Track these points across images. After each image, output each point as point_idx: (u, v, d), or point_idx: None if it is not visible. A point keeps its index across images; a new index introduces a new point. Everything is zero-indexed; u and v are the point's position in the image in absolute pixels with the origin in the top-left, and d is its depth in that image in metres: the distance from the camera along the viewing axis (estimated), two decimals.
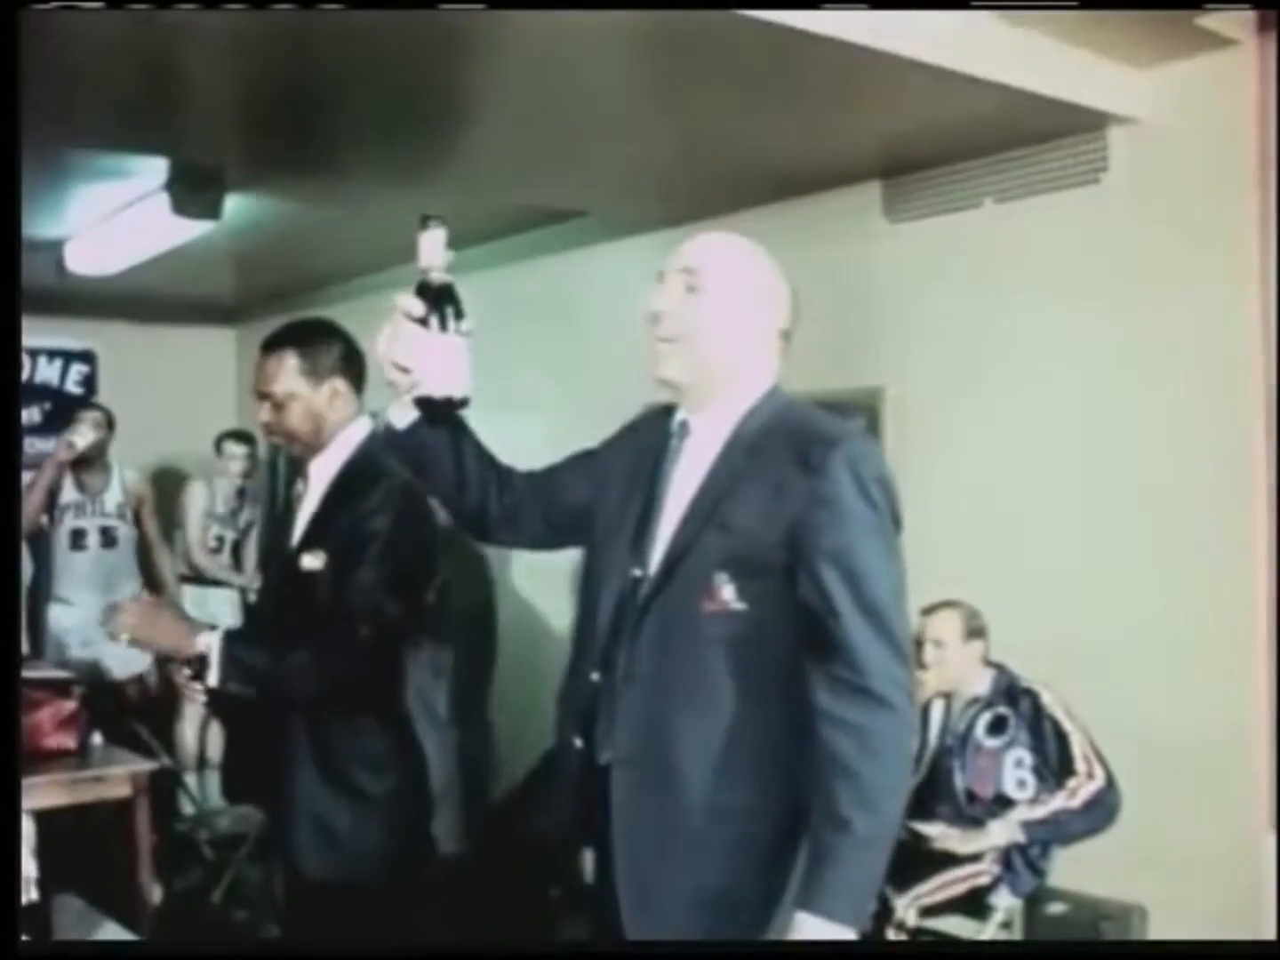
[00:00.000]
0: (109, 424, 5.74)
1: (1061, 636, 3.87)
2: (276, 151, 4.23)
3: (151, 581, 5.99)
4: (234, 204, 4.74)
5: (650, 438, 2.14)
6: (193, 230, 4.84)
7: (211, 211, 4.63)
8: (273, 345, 2.85)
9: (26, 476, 5.62)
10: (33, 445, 7.31)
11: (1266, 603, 3.48)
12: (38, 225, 5.18)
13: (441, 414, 2.09)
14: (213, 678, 2.55)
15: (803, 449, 1.94)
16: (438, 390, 2.03)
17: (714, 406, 2.05)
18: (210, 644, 2.55)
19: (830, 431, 1.98)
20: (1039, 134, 3.91)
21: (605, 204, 5.02)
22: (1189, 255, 3.65)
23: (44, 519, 5.64)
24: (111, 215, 5.01)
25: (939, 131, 3.92)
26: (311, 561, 2.74)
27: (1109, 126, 3.81)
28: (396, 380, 2.06)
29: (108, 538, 5.74)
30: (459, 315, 2.03)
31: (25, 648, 6.23)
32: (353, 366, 2.84)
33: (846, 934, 1.81)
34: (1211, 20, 3.37)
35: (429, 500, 2.67)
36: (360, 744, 2.75)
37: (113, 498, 5.76)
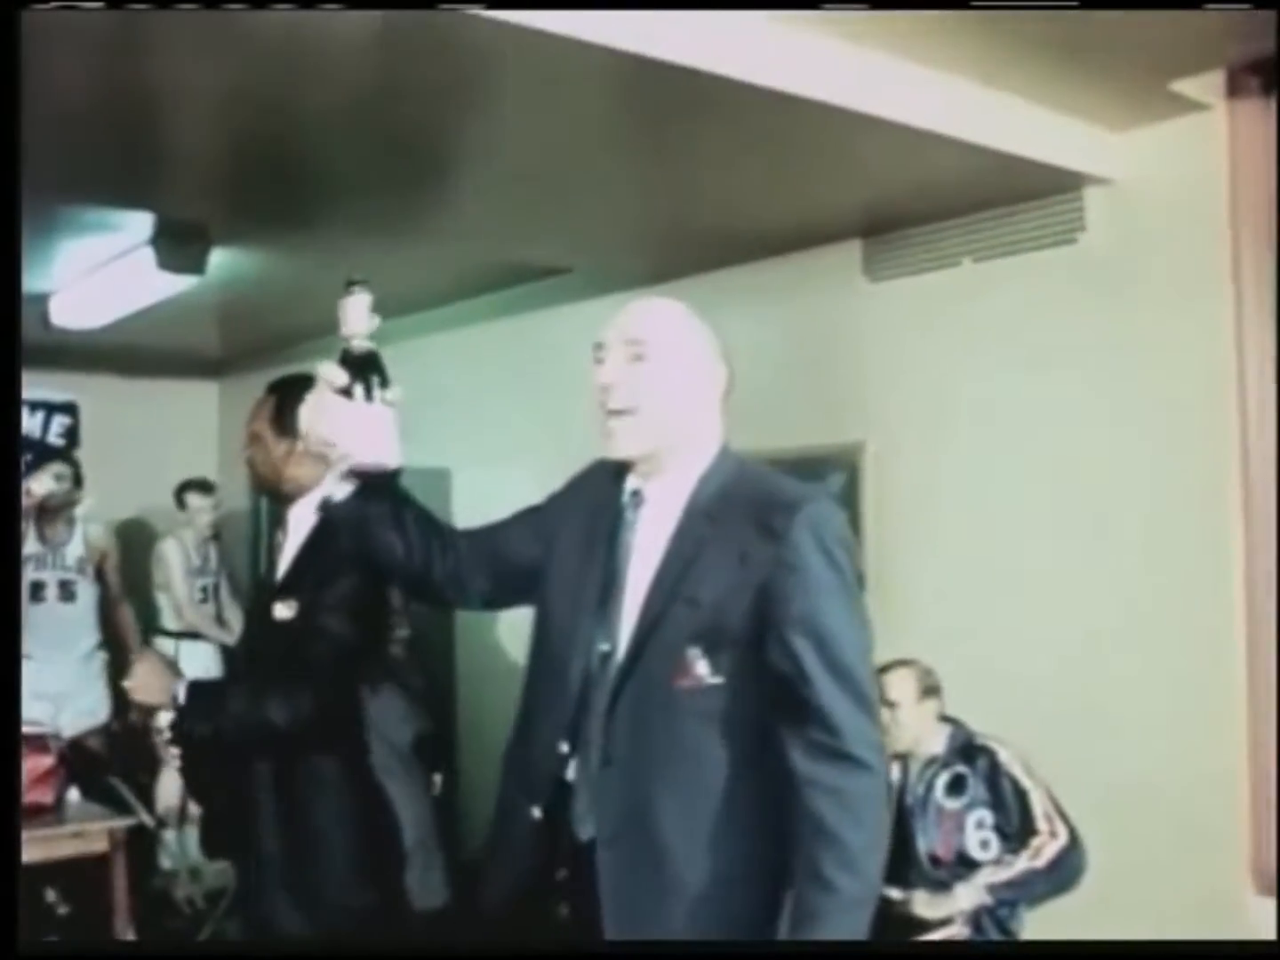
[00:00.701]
0: (75, 479, 5.72)
1: (1043, 692, 3.88)
2: (261, 207, 4.26)
3: (112, 637, 5.95)
4: (218, 258, 4.76)
5: (602, 498, 2.13)
6: (177, 285, 4.86)
7: (196, 266, 4.65)
8: (269, 388, 2.98)
9: None
10: None
11: (1248, 656, 3.50)
12: (24, 279, 5.19)
13: (374, 484, 2.08)
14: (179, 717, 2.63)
15: (763, 516, 1.94)
16: (368, 460, 2.03)
17: (667, 473, 2.05)
18: (179, 689, 2.62)
19: (789, 496, 1.98)
20: (1016, 194, 3.96)
21: (589, 261, 5.06)
22: (1164, 313, 3.69)
23: None
24: (96, 269, 5.03)
25: (918, 191, 3.97)
26: (283, 611, 2.80)
27: (1085, 187, 3.86)
28: (323, 453, 2.07)
29: (66, 591, 5.71)
30: (384, 383, 2.02)
31: None
32: None
33: None
34: (1184, 85, 3.44)
35: None
36: (326, 798, 2.75)
37: (73, 551, 5.73)
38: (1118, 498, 3.80)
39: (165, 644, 6.11)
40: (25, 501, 5.44)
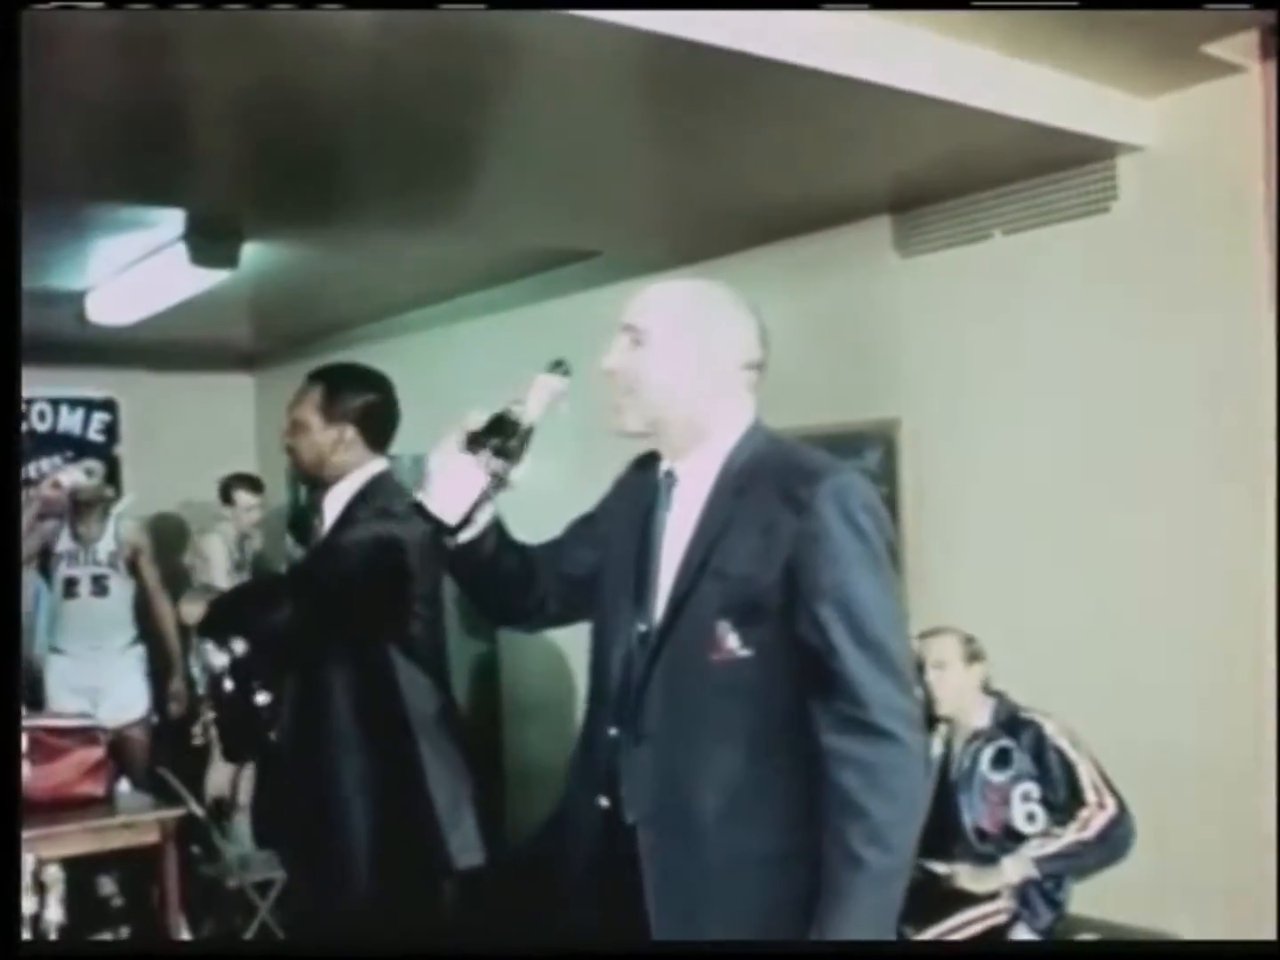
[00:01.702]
0: (109, 475, 5.76)
1: (1083, 664, 3.87)
2: (292, 200, 4.27)
3: (149, 631, 5.98)
4: (250, 252, 4.78)
5: (641, 489, 2.15)
6: (210, 279, 4.89)
7: (228, 261, 4.69)
8: (312, 376, 3.08)
9: None
10: None
11: None
12: (59, 277, 5.23)
13: (490, 529, 2.08)
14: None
15: (788, 488, 1.94)
16: (434, 507, 2.02)
17: (695, 452, 2.06)
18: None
19: (813, 467, 1.98)
20: (1047, 165, 3.93)
21: (618, 244, 5.06)
22: (1200, 281, 3.66)
23: (34, 563, 5.70)
24: (131, 266, 5.06)
25: (947, 165, 3.94)
26: None
27: (1118, 155, 3.83)
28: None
29: (99, 586, 5.73)
30: (509, 458, 1.98)
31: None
32: (372, 420, 3.03)
33: None
34: (1217, 48, 3.39)
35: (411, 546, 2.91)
36: (356, 759, 2.85)
37: (105, 547, 5.74)
38: (1154, 467, 3.77)
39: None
40: (53, 492, 5.43)
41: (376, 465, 3.06)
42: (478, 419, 2.01)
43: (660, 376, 2.04)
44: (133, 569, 5.83)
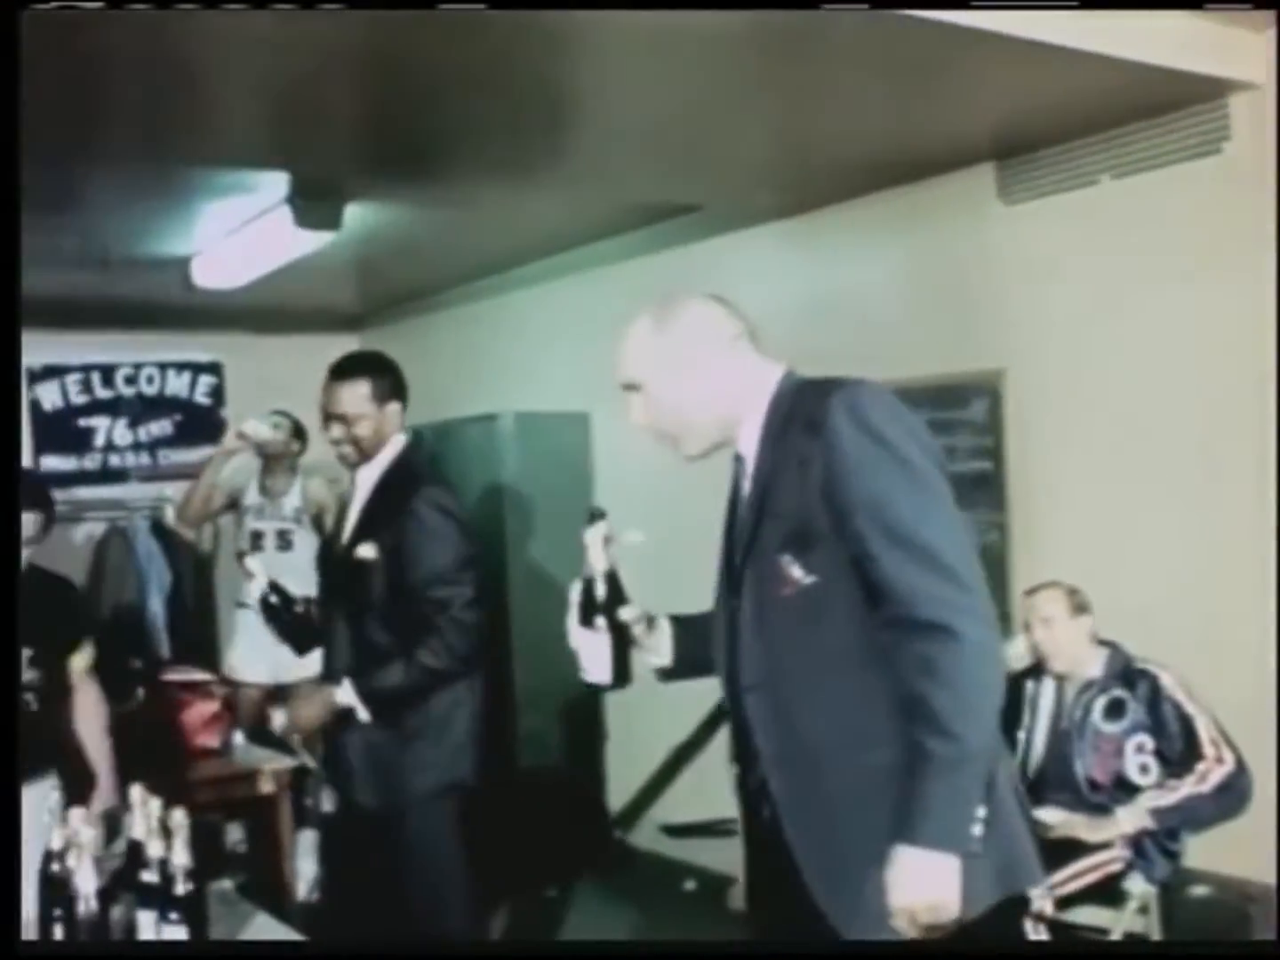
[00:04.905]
0: (296, 431, 5.75)
1: (1183, 616, 3.82)
2: (393, 160, 4.32)
3: None
4: (353, 213, 4.83)
5: (732, 485, 2.27)
6: (315, 241, 4.95)
7: (332, 222, 4.74)
8: (345, 374, 3.37)
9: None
10: (166, 458, 7.54)
11: None
12: (165, 243, 5.33)
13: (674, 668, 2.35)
14: (364, 715, 3.20)
15: (807, 416, 2.02)
16: (590, 677, 2.27)
17: (745, 429, 2.16)
18: (347, 695, 3.21)
19: (824, 387, 2.04)
20: (1156, 106, 3.85)
21: (720, 197, 5.04)
22: None
23: (218, 518, 5.91)
24: (236, 231, 5.14)
25: (1051, 110, 3.87)
26: (366, 551, 3.28)
27: (1229, 94, 3.73)
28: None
29: (283, 541, 5.68)
30: (611, 608, 2.22)
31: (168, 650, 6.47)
32: (403, 391, 3.40)
33: (946, 861, 1.87)
34: None
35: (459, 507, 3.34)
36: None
37: (291, 502, 5.72)
38: (1263, 416, 3.69)
39: None
40: (233, 444, 5.38)
41: (398, 441, 3.38)
42: (574, 597, 2.23)
43: (675, 410, 2.16)
44: (317, 525, 5.79)
